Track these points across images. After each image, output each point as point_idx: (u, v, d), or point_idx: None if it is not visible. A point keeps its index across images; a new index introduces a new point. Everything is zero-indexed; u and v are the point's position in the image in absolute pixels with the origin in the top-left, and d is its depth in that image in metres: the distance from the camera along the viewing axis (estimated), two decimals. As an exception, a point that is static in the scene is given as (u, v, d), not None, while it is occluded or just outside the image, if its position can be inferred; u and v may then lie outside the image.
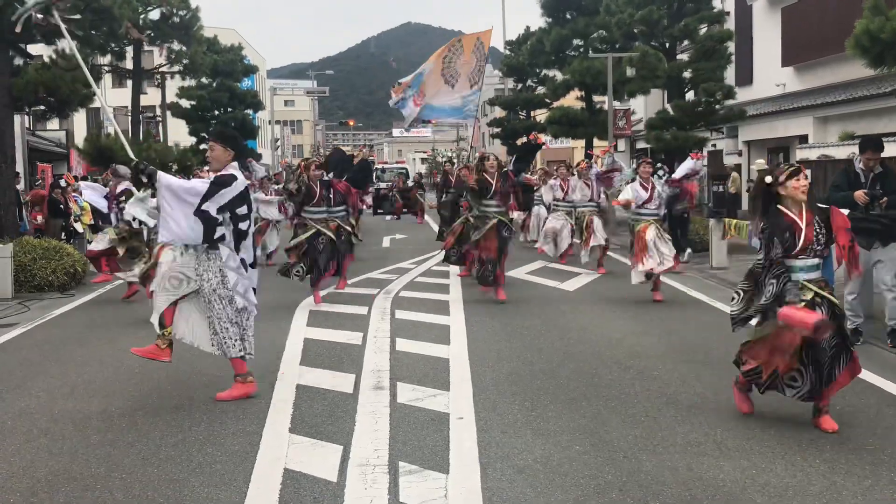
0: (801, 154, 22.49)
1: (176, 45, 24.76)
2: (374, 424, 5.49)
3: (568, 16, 29.28)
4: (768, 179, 5.39)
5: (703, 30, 22.74)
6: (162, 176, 5.86)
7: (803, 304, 5.20)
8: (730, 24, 25.93)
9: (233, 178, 6.02)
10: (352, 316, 9.66)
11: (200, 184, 6.08)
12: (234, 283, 6.04)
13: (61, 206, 16.99)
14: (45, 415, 5.90)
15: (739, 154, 26.35)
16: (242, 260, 6.13)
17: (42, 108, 16.66)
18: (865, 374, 6.63)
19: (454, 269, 12.79)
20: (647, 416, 5.61)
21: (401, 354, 7.59)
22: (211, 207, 5.90)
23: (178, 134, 34.02)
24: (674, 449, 4.95)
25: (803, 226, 5.29)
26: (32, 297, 11.60)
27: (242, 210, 6.06)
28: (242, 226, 6.08)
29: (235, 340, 6.08)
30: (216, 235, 5.97)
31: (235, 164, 6.18)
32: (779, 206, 5.38)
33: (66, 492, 4.48)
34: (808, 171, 5.50)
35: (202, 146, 33.39)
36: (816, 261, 5.37)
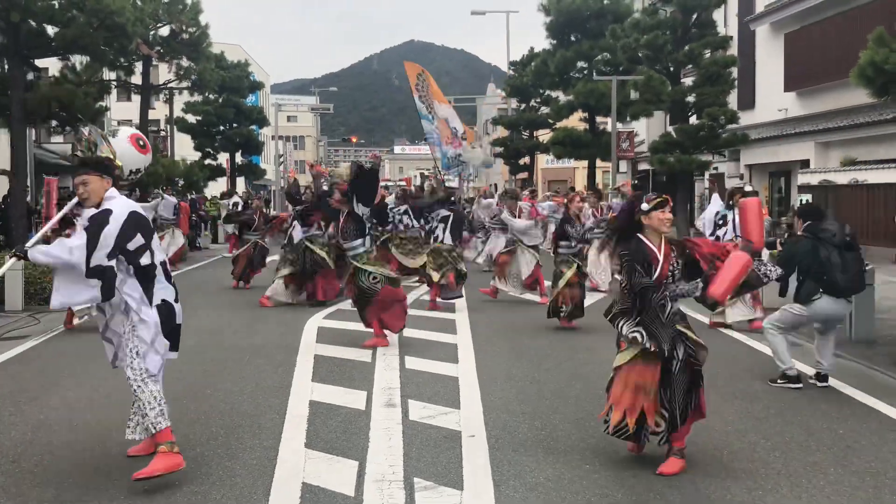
0: (802, 179, 22.71)
1: (185, 62, 24.98)
2: (387, 441, 5.61)
3: (573, 38, 29.60)
4: (644, 206, 5.14)
5: (708, 55, 23.00)
6: (33, 253, 4.74)
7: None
8: (733, 49, 26.22)
9: (108, 212, 4.85)
10: (360, 333, 9.76)
11: (75, 240, 4.75)
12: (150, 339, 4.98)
13: (73, 221, 17.11)
14: (65, 427, 6.02)
15: (741, 178, 26.59)
16: (164, 300, 5.05)
17: (54, 122, 16.84)
18: (867, 399, 6.80)
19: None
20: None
21: (410, 372, 7.71)
22: (100, 258, 4.70)
23: (184, 149, 34.22)
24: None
25: (661, 258, 5.09)
26: (42, 310, 11.72)
27: (136, 243, 4.88)
28: (143, 261, 4.93)
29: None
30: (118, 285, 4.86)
31: (114, 191, 5.05)
32: (639, 236, 5.14)
33: None
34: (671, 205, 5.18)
35: (207, 161, 33.63)
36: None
